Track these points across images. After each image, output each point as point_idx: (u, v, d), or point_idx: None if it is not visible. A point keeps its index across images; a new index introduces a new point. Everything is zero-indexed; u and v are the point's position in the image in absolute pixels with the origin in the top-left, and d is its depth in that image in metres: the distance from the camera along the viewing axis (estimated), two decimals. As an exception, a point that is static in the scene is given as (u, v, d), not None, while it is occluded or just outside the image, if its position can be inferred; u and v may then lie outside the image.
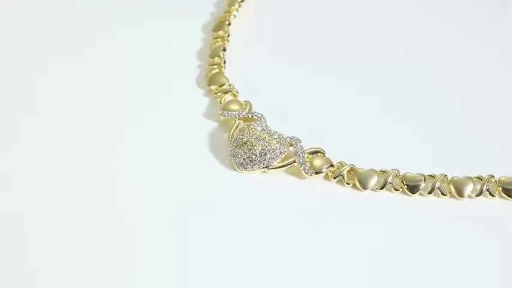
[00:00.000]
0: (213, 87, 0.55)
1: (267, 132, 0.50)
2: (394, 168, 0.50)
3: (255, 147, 0.50)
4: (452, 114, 0.55)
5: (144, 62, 0.57)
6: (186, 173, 0.50)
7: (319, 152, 0.50)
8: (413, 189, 0.49)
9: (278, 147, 0.50)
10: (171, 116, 0.53)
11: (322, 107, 0.55)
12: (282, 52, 0.59)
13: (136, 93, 0.55)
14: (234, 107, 0.53)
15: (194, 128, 0.53)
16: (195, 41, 0.59)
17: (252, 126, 0.51)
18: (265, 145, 0.50)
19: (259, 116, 0.52)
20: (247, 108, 0.53)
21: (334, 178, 0.50)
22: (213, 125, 0.53)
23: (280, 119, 0.53)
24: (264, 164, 0.50)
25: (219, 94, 0.54)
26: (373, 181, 0.50)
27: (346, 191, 0.50)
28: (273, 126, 0.51)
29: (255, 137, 0.50)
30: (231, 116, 0.52)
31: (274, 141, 0.50)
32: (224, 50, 0.57)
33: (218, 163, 0.51)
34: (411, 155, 0.52)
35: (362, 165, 0.50)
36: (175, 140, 0.52)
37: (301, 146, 0.50)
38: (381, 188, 0.50)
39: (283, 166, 0.50)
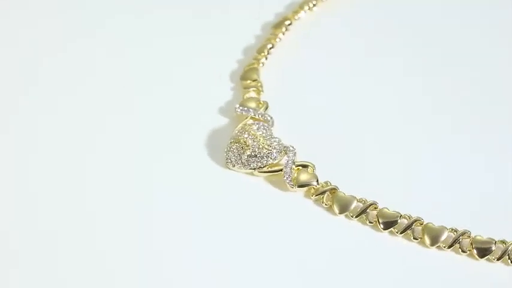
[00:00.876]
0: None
1: (263, 136, 0.51)
2: (375, 200, 0.49)
3: (246, 149, 0.50)
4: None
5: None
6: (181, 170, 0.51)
7: (308, 166, 0.50)
8: (387, 226, 0.48)
9: (268, 153, 0.50)
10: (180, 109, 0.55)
11: (342, 126, 0.54)
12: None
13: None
14: (251, 104, 0.54)
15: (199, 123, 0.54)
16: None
17: (252, 126, 0.51)
18: (255, 148, 0.50)
19: (268, 118, 0.53)
20: (263, 108, 0.54)
21: (315, 196, 0.50)
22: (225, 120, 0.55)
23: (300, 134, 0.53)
24: (250, 166, 0.50)
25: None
26: (350, 207, 0.49)
27: (319, 212, 0.49)
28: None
29: (250, 138, 0.51)
30: (245, 112, 0.53)
31: (266, 146, 0.50)
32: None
33: (214, 163, 0.52)
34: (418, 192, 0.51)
35: (355, 189, 0.50)
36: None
37: (293, 157, 0.50)
38: (356, 217, 0.49)
39: (270, 172, 0.51)
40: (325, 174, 0.50)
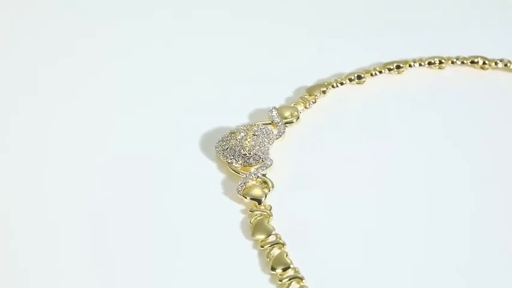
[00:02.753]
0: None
1: (255, 139, 0.51)
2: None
3: (232, 141, 0.52)
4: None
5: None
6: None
7: (268, 184, 0.50)
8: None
9: (244, 155, 0.51)
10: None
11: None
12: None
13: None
14: (287, 112, 0.55)
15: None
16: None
17: (255, 127, 0.52)
18: (238, 145, 0.51)
19: (278, 122, 0.53)
20: (294, 118, 0.54)
21: (251, 211, 0.50)
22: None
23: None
24: (225, 157, 0.51)
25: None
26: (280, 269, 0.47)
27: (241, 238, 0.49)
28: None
29: (243, 134, 0.51)
30: (274, 118, 0.54)
31: (247, 149, 0.51)
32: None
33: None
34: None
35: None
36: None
37: (261, 171, 0.50)
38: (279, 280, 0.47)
39: (234, 171, 0.51)
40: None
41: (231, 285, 0.46)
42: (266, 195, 0.50)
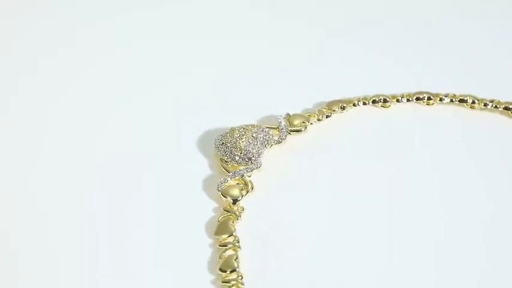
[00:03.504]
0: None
1: (249, 141, 0.51)
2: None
3: (228, 138, 0.51)
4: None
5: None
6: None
7: (248, 186, 0.50)
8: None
9: (235, 153, 0.50)
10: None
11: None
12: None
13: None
14: (297, 121, 0.54)
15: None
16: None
17: (256, 128, 0.52)
18: (231, 143, 0.51)
19: (283, 128, 0.52)
20: (302, 128, 0.53)
21: (224, 210, 0.49)
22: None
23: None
24: (218, 151, 0.51)
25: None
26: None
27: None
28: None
29: (240, 133, 0.51)
30: (282, 127, 0.53)
31: (239, 148, 0.50)
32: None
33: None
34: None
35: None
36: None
37: (246, 172, 0.50)
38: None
39: (224, 168, 0.51)
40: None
41: (176, 278, 0.46)
42: (242, 197, 0.49)
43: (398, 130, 0.54)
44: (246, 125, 0.52)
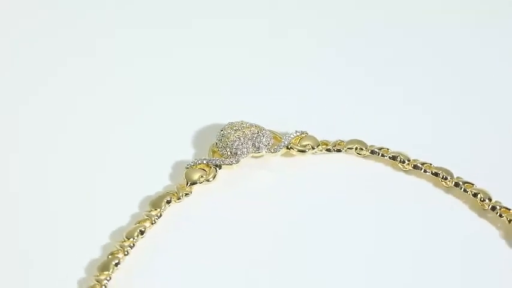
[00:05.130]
0: None
1: (241, 137, 0.50)
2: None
3: (228, 130, 0.50)
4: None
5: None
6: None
7: (212, 176, 0.49)
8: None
9: (224, 144, 0.50)
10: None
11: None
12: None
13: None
14: (306, 142, 0.51)
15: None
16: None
17: (256, 128, 0.51)
18: (227, 134, 0.50)
19: (284, 141, 0.51)
20: (316, 149, 0.51)
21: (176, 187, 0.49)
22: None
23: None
24: (217, 136, 0.51)
25: None
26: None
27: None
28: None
29: (239, 127, 0.51)
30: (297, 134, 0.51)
31: (230, 141, 0.50)
32: None
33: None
34: None
35: None
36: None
37: (223, 161, 0.49)
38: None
39: (212, 151, 0.51)
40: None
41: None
42: (197, 183, 0.49)
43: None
44: (251, 124, 0.51)
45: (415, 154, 0.51)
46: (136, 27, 0.58)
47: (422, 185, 0.50)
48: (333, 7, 0.61)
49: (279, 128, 0.52)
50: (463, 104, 0.55)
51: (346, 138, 0.51)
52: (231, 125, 0.51)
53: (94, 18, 0.59)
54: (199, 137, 0.53)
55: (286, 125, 0.52)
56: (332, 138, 0.51)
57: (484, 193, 0.49)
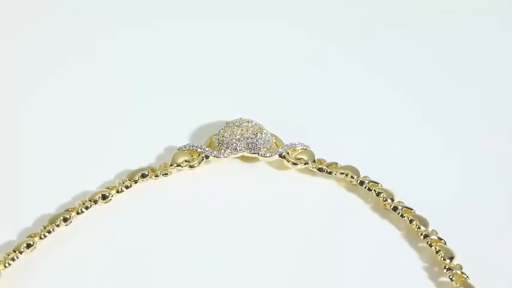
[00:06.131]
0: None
1: (241, 134, 0.49)
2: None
3: (233, 121, 0.50)
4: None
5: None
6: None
7: (196, 161, 0.48)
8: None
9: (222, 136, 0.49)
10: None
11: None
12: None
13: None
14: (301, 156, 0.50)
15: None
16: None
17: (258, 128, 0.50)
18: (229, 126, 0.50)
19: (281, 149, 0.50)
20: (301, 162, 0.49)
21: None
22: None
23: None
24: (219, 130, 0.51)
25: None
26: None
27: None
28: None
29: (240, 124, 0.50)
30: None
31: (227, 135, 0.49)
32: None
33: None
34: None
35: None
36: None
37: (208, 151, 0.49)
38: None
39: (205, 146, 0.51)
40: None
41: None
42: (181, 166, 0.49)
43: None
44: (256, 124, 0.50)
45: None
46: (136, 27, 0.58)
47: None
48: (332, 7, 0.60)
49: (278, 128, 0.51)
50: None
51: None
52: (237, 121, 0.50)
53: (94, 18, 0.59)
54: (197, 135, 0.52)
55: (286, 125, 0.51)
56: (332, 137, 0.51)
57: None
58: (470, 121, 0.53)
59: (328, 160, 0.50)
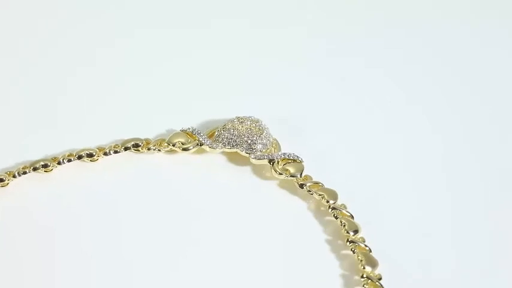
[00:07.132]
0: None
1: (236, 132, 0.50)
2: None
3: (242, 118, 0.51)
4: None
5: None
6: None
7: (192, 144, 0.49)
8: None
9: (224, 129, 0.50)
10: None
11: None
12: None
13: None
14: (292, 169, 0.49)
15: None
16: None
17: (260, 127, 0.50)
18: (238, 121, 0.50)
19: (277, 155, 0.50)
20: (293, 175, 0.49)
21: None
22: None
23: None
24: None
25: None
26: None
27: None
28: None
29: (243, 122, 0.50)
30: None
31: (230, 130, 0.50)
32: None
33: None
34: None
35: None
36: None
37: (207, 142, 0.50)
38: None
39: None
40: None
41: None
42: (173, 145, 0.50)
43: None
44: (260, 126, 0.50)
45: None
46: (136, 27, 0.58)
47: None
48: (333, 7, 0.60)
49: (278, 128, 0.51)
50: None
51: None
52: (243, 118, 0.51)
53: (94, 19, 0.58)
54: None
55: (285, 124, 0.52)
56: (331, 138, 0.52)
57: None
58: (471, 124, 0.53)
59: (316, 178, 0.49)
